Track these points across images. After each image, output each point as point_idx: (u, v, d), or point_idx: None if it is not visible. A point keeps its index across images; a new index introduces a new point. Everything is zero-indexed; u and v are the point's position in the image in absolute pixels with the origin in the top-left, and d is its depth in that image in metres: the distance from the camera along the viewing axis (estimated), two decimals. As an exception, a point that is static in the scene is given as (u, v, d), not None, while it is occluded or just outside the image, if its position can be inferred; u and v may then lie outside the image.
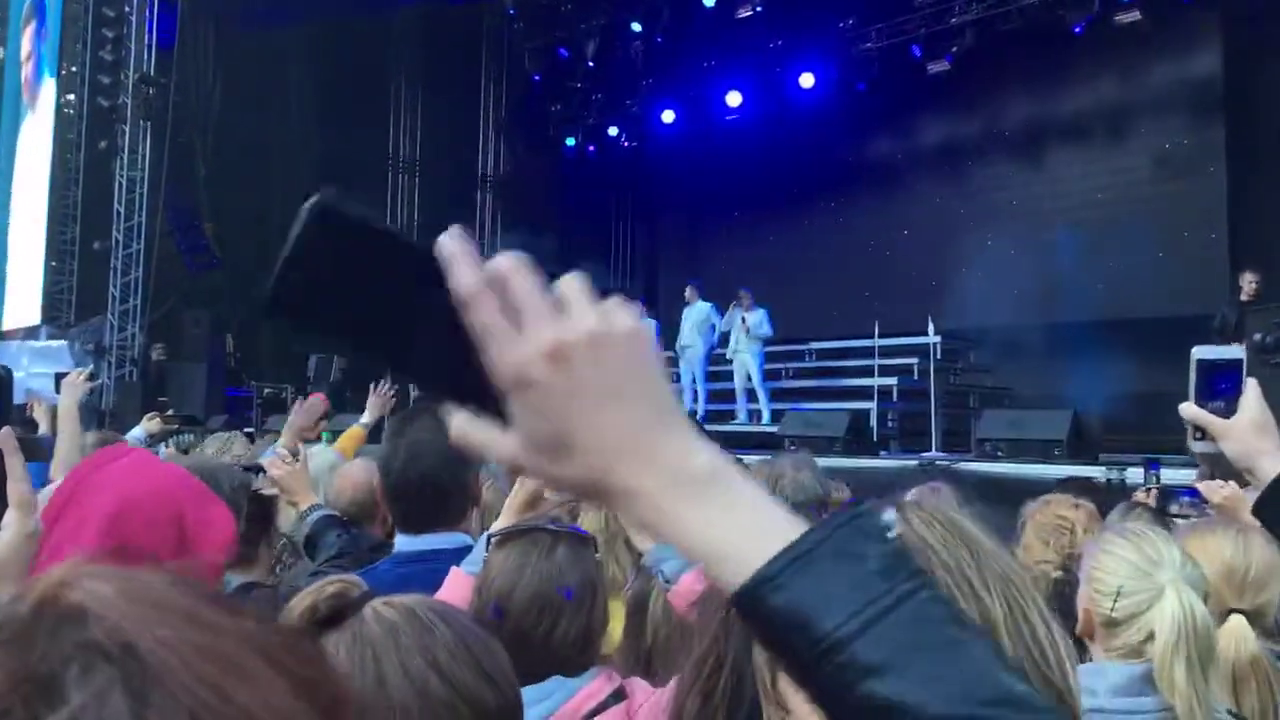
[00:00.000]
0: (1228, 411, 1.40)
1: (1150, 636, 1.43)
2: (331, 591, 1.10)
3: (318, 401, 4.21)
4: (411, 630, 1.07)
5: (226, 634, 0.42)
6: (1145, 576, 1.48)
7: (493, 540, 1.66)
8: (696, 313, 12.63)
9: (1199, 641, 1.42)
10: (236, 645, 0.42)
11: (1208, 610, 1.50)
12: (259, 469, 2.75)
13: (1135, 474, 6.58)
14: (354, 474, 3.12)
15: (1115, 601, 1.45)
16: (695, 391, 12.80)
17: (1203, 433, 1.42)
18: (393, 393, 4.51)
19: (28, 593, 0.41)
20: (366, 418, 4.48)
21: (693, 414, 11.91)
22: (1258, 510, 1.41)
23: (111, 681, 0.38)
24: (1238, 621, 1.58)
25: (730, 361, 12.43)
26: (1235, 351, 1.46)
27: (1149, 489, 4.19)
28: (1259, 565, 1.63)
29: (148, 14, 14.39)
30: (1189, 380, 1.43)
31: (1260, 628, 1.57)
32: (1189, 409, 1.43)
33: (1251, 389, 1.41)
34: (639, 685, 1.60)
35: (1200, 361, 1.44)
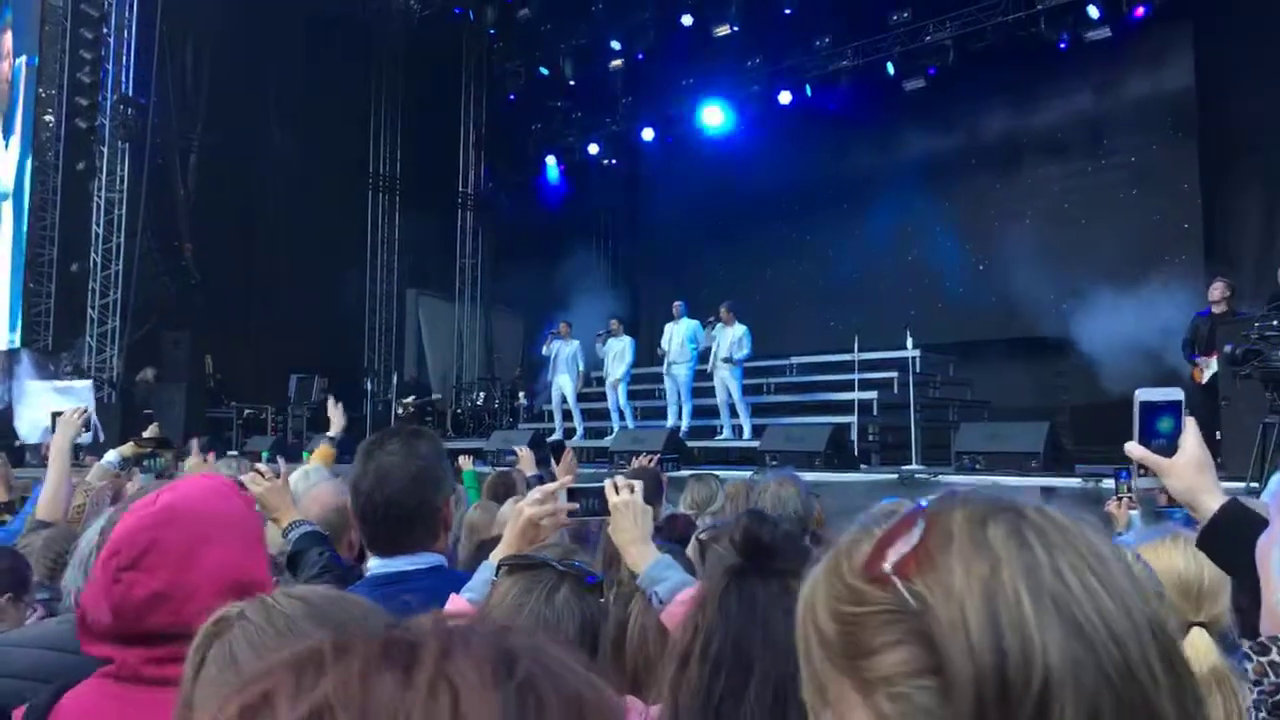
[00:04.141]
0: (1170, 450, 1.48)
1: None
2: None
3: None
4: None
5: None
6: None
7: (502, 569, 1.67)
8: (683, 329, 12.62)
9: None
10: None
11: (1173, 625, 1.54)
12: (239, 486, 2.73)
13: (1111, 485, 6.62)
14: (323, 495, 3.06)
15: None
16: (680, 408, 12.79)
17: (1146, 470, 1.50)
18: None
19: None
20: (333, 430, 4.51)
21: (675, 430, 11.91)
22: (1202, 543, 1.48)
23: None
24: (1199, 634, 1.62)
25: (711, 377, 12.39)
26: (1175, 393, 1.53)
27: (1120, 498, 4.23)
28: (1210, 576, 1.67)
29: (126, 35, 14.35)
30: (1133, 420, 1.50)
31: (1215, 637, 1.61)
32: (1134, 449, 1.50)
33: (1190, 429, 1.49)
34: (634, 704, 1.59)
35: (1143, 403, 1.51)
